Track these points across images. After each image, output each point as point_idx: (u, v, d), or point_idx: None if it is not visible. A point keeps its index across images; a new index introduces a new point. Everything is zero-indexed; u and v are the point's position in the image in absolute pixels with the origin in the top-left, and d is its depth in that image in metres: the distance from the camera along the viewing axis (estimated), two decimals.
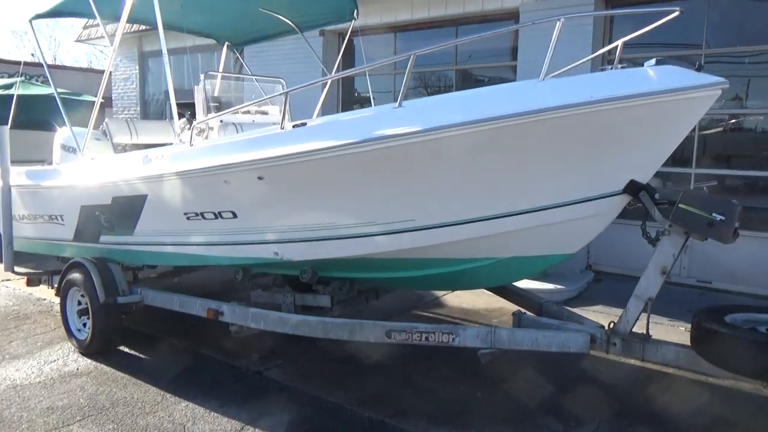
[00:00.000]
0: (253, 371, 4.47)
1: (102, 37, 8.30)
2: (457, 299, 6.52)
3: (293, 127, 3.43)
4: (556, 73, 3.31)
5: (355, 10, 5.89)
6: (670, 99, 2.94)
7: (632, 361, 4.44)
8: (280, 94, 3.92)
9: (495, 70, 8.31)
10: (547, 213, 3.33)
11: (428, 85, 9.29)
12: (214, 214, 3.98)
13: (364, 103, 9.28)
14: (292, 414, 3.80)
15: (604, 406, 3.93)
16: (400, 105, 3.15)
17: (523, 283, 6.55)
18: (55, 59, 34.06)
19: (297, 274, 4.14)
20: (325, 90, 6.47)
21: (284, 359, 4.66)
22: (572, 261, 7.42)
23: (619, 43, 3.69)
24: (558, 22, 3.03)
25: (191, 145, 3.98)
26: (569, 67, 3.96)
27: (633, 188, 3.22)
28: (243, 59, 10.67)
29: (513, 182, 3.21)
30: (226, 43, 7.06)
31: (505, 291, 4.45)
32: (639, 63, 3.19)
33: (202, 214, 4.04)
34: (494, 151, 3.02)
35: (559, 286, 6.69)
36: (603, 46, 7.21)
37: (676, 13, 3.25)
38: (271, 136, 3.52)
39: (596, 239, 7.31)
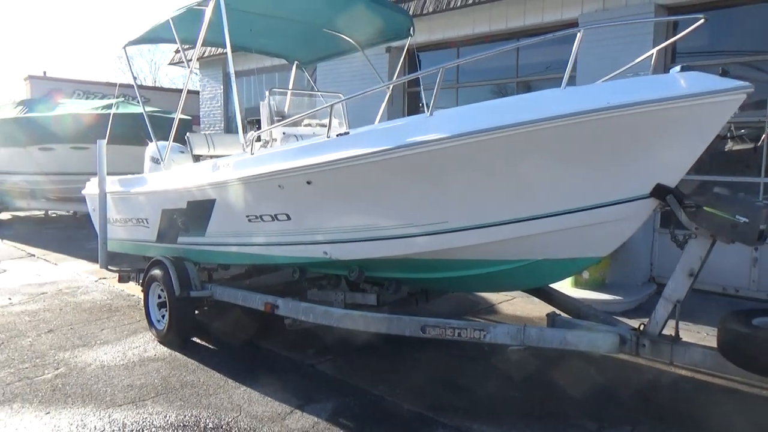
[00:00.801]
0: (307, 364, 4.84)
1: (191, 59, 9.13)
2: (511, 307, 6.62)
3: (337, 136, 3.78)
4: (603, 79, 3.48)
5: (412, 28, 6.20)
6: (694, 103, 3.01)
7: (675, 369, 4.46)
8: (325, 107, 4.30)
9: (555, 82, 8.34)
10: (576, 216, 3.45)
11: (492, 98, 9.45)
12: (271, 216, 4.40)
13: None
14: (338, 402, 4.12)
15: (641, 409, 3.96)
16: (431, 114, 3.42)
17: (581, 293, 6.63)
18: (155, 81, 36.96)
19: (345, 273, 4.48)
20: (384, 102, 6.80)
21: (336, 355, 5.00)
22: (634, 273, 7.33)
23: (654, 51, 3.79)
24: (578, 34, 3.18)
25: (252, 154, 4.43)
26: (609, 77, 4.12)
27: (660, 191, 3.28)
28: (316, 76, 11.31)
29: (539, 186, 3.37)
30: (295, 61, 7.60)
31: (544, 294, 4.56)
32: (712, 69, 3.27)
33: (261, 216, 4.47)
34: (517, 156, 3.21)
35: (617, 297, 6.62)
36: (664, 58, 7.13)
37: (701, 21, 3.31)
38: (318, 144, 3.89)
39: (660, 252, 7.26)
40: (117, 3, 53.66)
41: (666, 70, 7.26)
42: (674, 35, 7.30)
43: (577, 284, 6.95)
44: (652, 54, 3.87)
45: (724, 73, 3.09)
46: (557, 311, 4.21)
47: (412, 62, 10.17)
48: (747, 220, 2.97)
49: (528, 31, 8.38)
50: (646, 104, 2.96)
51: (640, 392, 4.25)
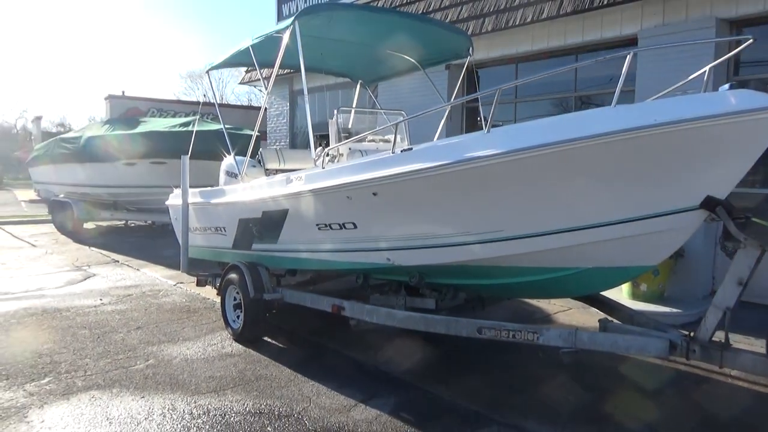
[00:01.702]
0: (371, 364, 5.18)
1: (258, 79, 9.79)
2: (567, 317, 6.75)
3: (401, 151, 4.13)
4: (655, 96, 3.64)
5: (471, 48, 6.51)
6: (740, 120, 3.18)
7: (733, 380, 4.53)
8: (390, 126, 4.66)
9: (609, 97, 8.40)
10: (627, 226, 3.64)
11: (549, 112, 9.59)
12: (339, 225, 4.79)
13: None
14: (399, 398, 4.43)
15: (694, 418, 4.06)
16: (488, 131, 3.72)
17: (639, 305, 6.68)
18: (221, 98, 38.85)
19: (406, 279, 4.80)
20: (444, 119, 7.12)
21: (397, 355, 5.31)
22: (694, 286, 7.27)
23: (707, 68, 3.94)
24: (628, 56, 3.39)
25: (323, 168, 4.85)
26: (660, 94, 4.30)
27: (710, 203, 3.43)
28: (377, 93, 11.78)
29: (588, 197, 3.58)
30: (360, 81, 8.06)
31: (598, 302, 4.71)
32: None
33: (329, 225, 4.87)
34: (567, 171, 3.45)
35: (676, 310, 6.62)
36: (726, 71, 7.12)
37: (750, 41, 3.46)
38: (383, 159, 4.25)
39: (722, 265, 7.23)
40: (183, 24, 56.71)
41: (728, 81, 7.23)
42: (736, 49, 7.28)
43: (635, 296, 6.99)
44: (705, 71, 4.01)
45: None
46: (609, 318, 4.37)
47: (471, 79, 10.48)
48: None
49: (587, 47, 8.51)
50: (690, 121, 3.15)
51: (695, 402, 4.35)
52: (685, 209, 3.51)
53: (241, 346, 5.68)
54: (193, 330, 6.24)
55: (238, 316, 5.92)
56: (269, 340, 5.86)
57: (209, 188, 6.80)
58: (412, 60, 7.06)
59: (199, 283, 7.00)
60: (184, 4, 56.66)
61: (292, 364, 5.14)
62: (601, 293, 4.65)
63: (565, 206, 3.67)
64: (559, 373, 4.80)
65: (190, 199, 6.91)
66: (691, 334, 3.62)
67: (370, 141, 6.04)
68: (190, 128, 9.35)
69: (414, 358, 5.27)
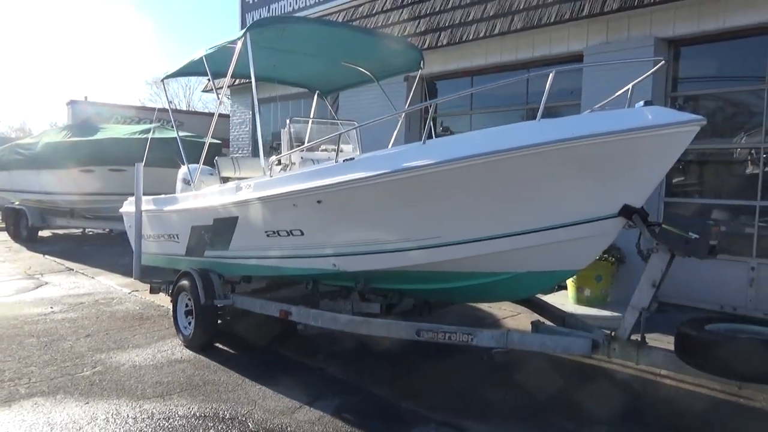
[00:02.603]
0: (317, 367, 5.29)
1: (221, 87, 9.87)
2: (515, 321, 6.97)
3: (344, 161, 4.30)
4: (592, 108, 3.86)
5: (422, 62, 6.73)
6: (654, 134, 3.44)
7: (660, 377, 4.81)
8: (333, 136, 4.83)
9: (559, 110, 8.74)
10: (554, 232, 3.87)
11: (503, 124, 9.90)
12: (287, 231, 4.91)
13: None
14: (342, 400, 4.55)
15: (617, 409, 4.31)
16: (424, 142, 3.91)
17: (584, 310, 6.96)
18: (188, 105, 38.43)
19: (353, 284, 4.95)
20: (396, 129, 7.30)
21: (344, 360, 5.45)
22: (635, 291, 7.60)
23: (630, 86, 4.21)
24: (550, 75, 3.63)
25: (270, 176, 4.98)
26: (598, 105, 4.59)
27: (627, 211, 3.69)
28: (338, 104, 11.95)
29: (520, 205, 3.81)
30: (317, 91, 8.21)
31: (532, 304, 4.94)
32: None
33: (277, 232, 4.99)
34: (496, 179, 3.67)
35: (617, 314, 6.87)
36: (666, 86, 7.51)
37: (662, 63, 3.75)
38: (327, 168, 4.41)
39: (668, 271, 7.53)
40: (148, 29, 56.12)
41: (667, 97, 7.65)
42: (676, 66, 7.71)
43: (580, 301, 7.28)
44: (628, 89, 4.28)
45: (681, 107, 3.51)
46: (542, 319, 4.60)
47: (432, 90, 10.75)
48: (698, 237, 3.36)
49: (537, 62, 8.83)
50: (606, 135, 3.40)
51: (617, 395, 4.62)
52: (605, 217, 3.76)
53: (191, 352, 5.73)
54: (144, 337, 6.26)
55: (189, 323, 5.96)
56: (220, 346, 5.92)
57: (163, 196, 6.84)
58: (367, 72, 7.25)
59: (152, 291, 7.00)
60: (152, 11, 56.09)
61: (241, 369, 5.22)
62: (536, 297, 4.87)
63: (497, 214, 3.88)
64: (499, 373, 5.00)
65: (144, 207, 6.93)
66: (612, 333, 3.86)
67: (323, 150, 6.19)
68: (149, 135, 9.34)
69: (361, 362, 5.41)
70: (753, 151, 7.07)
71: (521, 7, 8.32)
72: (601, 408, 4.40)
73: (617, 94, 4.46)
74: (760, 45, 6.87)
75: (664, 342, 4.45)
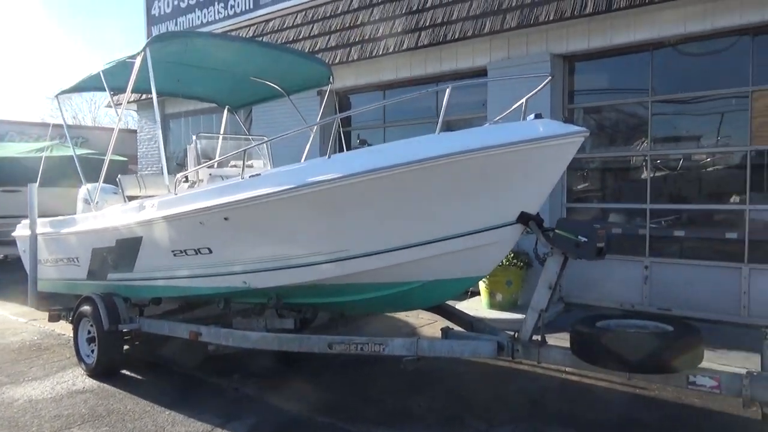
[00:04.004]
0: (232, 387, 5.16)
1: (130, 102, 9.50)
2: (431, 329, 7.12)
3: (250, 177, 4.25)
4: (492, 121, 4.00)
5: (331, 76, 6.78)
6: (543, 145, 3.65)
7: (565, 374, 5.08)
8: (239, 152, 4.79)
9: (471, 121, 9.08)
10: (457, 241, 4.00)
11: (412, 135, 10.13)
12: (195, 250, 4.78)
13: None
14: (257, 418, 4.47)
15: (526, 409, 4.51)
16: (329, 157, 3.95)
17: (496, 314, 7.23)
18: (94, 120, 36.40)
19: (265, 301, 4.89)
20: (309, 143, 7.30)
21: (260, 379, 5.35)
22: None
23: (524, 100, 4.43)
24: (447, 90, 3.77)
25: (176, 194, 4.83)
26: (496, 119, 4.81)
27: (524, 218, 3.88)
28: (252, 117, 11.78)
29: (423, 215, 3.91)
30: (227, 106, 8.07)
31: (443, 311, 5.07)
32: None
33: (185, 251, 4.85)
34: (398, 191, 3.76)
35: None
36: (563, 99, 8.00)
37: (549, 78, 4.01)
38: (233, 185, 4.35)
39: (568, 274, 8.02)
40: (51, 41, 53.03)
41: (564, 109, 8.15)
42: (571, 80, 8.23)
43: (492, 306, 7.55)
44: (522, 102, 4.52)
45: (568, 120, 3.76)
46: (452, 325, 4.74)
47: (345, 103, 10.84)
48: (587, 240, 3.59)
49: (446, 76, 9.13)
50: (502, 147, 3.58)
51: (527, 395, 4.83)
52: (504, 224, 3.94)
53: (95, 381, 5.42)
54: (42, 369, 5.85)
55: (92, 351, 5.64)
56: (127, 372, 5.64)
57: (61, 217, 6.46)
58: (277, 87, 7.21)
59: (51, 319, 6.57)
60: (59, 23, 52.87)
61: (150, 396, 4.99)
62: (447, 303, 5.01)
63: (401, 225, 3.97)
64: (415, 380, 5.08)
65: (40, 230, 6.52)
66: (516, 335, 4.04)
67: (232, 166, 6.08)
68: (44, 154, 8.80)
69: (277, 379, 5.34)
70: (643, 158, 7.67)
71: (427, 24, 8.60)
72: (510, 406, 4.59)
73: (513, 107, 4.70)
74: (643, 61, 7.49)
75: (568, 340, 4.72)
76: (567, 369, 5.17)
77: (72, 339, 6.01)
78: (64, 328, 6.99)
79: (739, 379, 3.20)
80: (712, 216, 7.32)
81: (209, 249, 4.71)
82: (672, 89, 7.41)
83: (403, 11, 8.99)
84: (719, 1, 6.57)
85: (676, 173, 7.58)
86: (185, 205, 4.61)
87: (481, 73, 8.62)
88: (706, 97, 7.19)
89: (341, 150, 10.66)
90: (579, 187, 8.35)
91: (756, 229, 6.79)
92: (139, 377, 5.57)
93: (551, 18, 7.33)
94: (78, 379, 5.51)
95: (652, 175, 7.56)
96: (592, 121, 8.09)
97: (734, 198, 7.05)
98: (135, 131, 15.14)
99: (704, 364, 3.46)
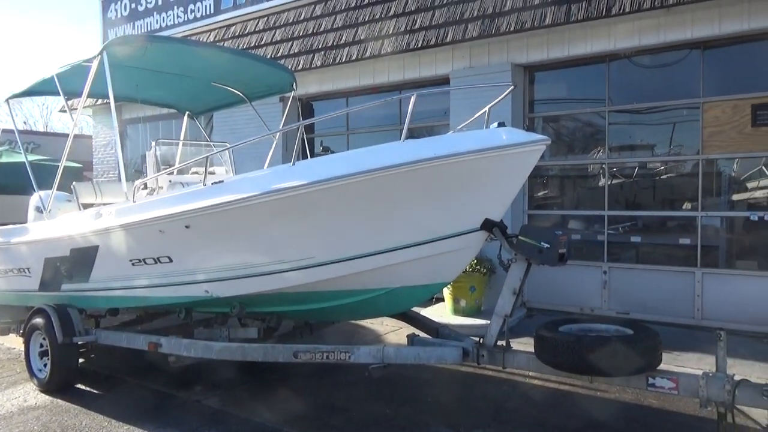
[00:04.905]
0: (194, 400, 5.03)
1: (75, 108, 9.20)
2: (396, 336, 7.12)
3: (212, 184, 4.17)
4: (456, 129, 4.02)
5: (294, 83, 6.73)
6: (506, 153, 3.70)
7: (530, 379, 5.14)
8: (201, 158, 4.69)
9: (433, 129, 9.16)
10: (423, 247, 4.01)
11: (375, 142, 10.15)
12: (154, 259, 4.65)
13: None
14: (220, 431, 4.37)
15: (492, 414, 4.55)
16: (294, 164, 3.91)
17: (460, 320, 7.28)
18: (46, 126, 35.15)
19: (228, 310, 4.79)
20: (271, 149, 7.22)
21: (223, 389, 5.24)
22: None
23: (486, 108, 4.49)
24: (412, 98, 3.78)
25: (134, 202, 4.70)
26: (459, 127, 4.86)
27: (488, 225, 3.92)
28: (213, 123, 11.59)
29: (388, 223, 3.91)
30: (187, 112, 7.91)
31: (408, 318, 5.07)
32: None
33: (144, 260, 4.71)
34: (364, 198, 3.75)
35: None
36: (524, 108, 8.16)
37: (512, 88, 4.10)
38: (195, 192, 4.26)
39: (530, 280, 8.17)
40: (6, 43, 51.10)
41: (524, 118, 8.30)
42: (531, 90, 8.41)
43: (457, 312, 7.61)
44: (486, 111, 4.57)
45: (528, 128, 3.83)
46: (418, 332, 4.75)
47: (308, 110, 10.79)
48: (549, 246, 3.66)
49: (408, 84, 9.19)
50: (466, 154, 3.61)
51: (492, 400, 4.88)
52: (469, 231, 3.97)
53: (48, 396, 5.21)
54: None
55: (45, 365, 5.41)
56: (82, 387, 5.45)
57: (11, 226, 6.20)
58: (239, 93, 7.11)
59: (0, 332, 6.30)
60: (11, 23, 50.91)
61: (107, 410, 4.83)
62: (412, 310, 5.01)
63: (366, 232, 3.96)
64: (381, 388, 5.06)
65: None
66: (481, 340, 4.07)
67: (193, 173, 5.96)
68: None
69: (241, 389, 5.24)
70: (600, 166, 7.88)
71: (390, 32, 8.64)
72: (476, 412, 4.62)
73: (476, 116, 4.75)
74: (600, 72, 7.71)
75: (531, 345, 4.79)
76: (530, 373, 5.25)
77: (23, 353, 5.76)
78: (13, 341, 6.71)
79: (696, 380, 3.30)
80: (666, 222, 7.58)
81: (169, 258, 4.59)
82: (627, 100, 7.66)
83: (367, 19, 9.02)
84: (671, 16, 6.83)
85: (632, 181, 7.82)
86: (145, 212, 4.49)
87: (444, 81, 8.71)
88: (659, 107, 7.45)
89: (305, 157, 10.64)
90: (540, 194, 8.52)
91: (708, 235, 7.05)
92: (95, 391, 5.38)
93: (512, 29, 7.47)
94: (30, 394, 5.29)
95: (609, 182, 7.77)
96: (552, 130, 8.27)
97: (687, 205, 7.31)
98: (90, 137, 14.68)
99: (661, 366, 3.55)
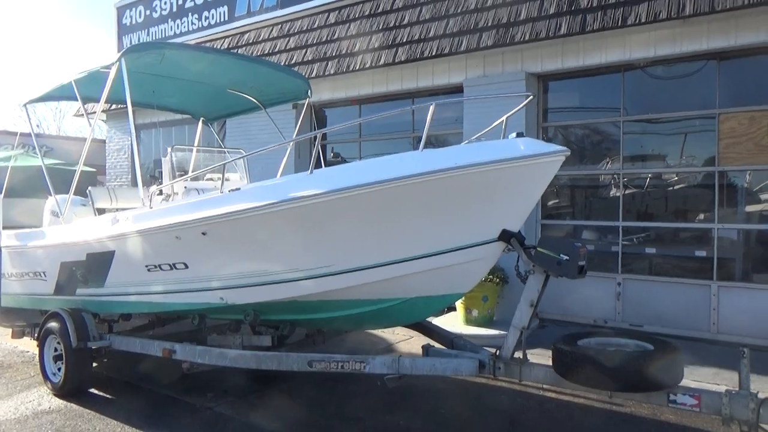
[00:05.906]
0: (206, 407, 5.02)
1: (94, 111, 9.29)
2: (408, 345, 7.08)
3: (230, 191, 4.18)
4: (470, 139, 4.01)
5: (309, 90, 6.75)
6: (525, 163, 3.68)
7: (544, 392, 5.09)
8: (218, 165, 4.70)
9: (445, 137, 9.15)
10: (441, 257, 3.98)
11: (390, 151, 10.16)
12: (170, 265, 4.66)
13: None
14: None
15: (503, 426, 4.51)
16: (311, 172, 3.91)
17: (472, 330, 7.23)
18: (59, 129, 35.45)
19: (242, 317, 4.78)
20: (285, 157, 7.24)
21: (235, 397, 5.22)
22: None
23: (504, 118, 4.47)
24: (431, 107, 3.78)
25: (151, 208, 4.72)
26: (475, 136, 4.84)
27: (505, 236, 3.90)
28: (225, 131, 11.63)
29: (405, 232, 3.89)
30: (201, 118, 7.95)
31: (422, 328, 5.04)
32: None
33: (159, 266, 4.72)
34: (382, 208, 3.74)
35: (503, 332, 7.22)
36: (537, 117, 8.13)
37: (530, 98, 4.07)
38: (212, 199, 4.26)
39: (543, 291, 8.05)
40: (16, 48, 51.66)
41: (539, 127, 8.28)
42: (545, 99, 8.38)
43: (468, 322, 7.56)
44: (503, 121, 4.56)
45: (548, 139, 3.81)
46: (432, 343, 4.72)
47: (321, 117, 10.81)
48: (568, 258, 3.62)
49: (422, 92, 9.20)
50: (486, 164, 3.59)
51: (506, 412, 4.84)
52: (486, 241, 3.94)
53: (61, 401, 5.22)
54: (5, 388, 5.61)
55: (59, 369, 5.43)
56: (96, 391, 5.45)
57: (27, 230, 6.24)
58: (253, 99, 7.14)
59: (15, 335, 6.33)
60: (27, 29, 51.42)
61: (120, 416, 4.83)
62: (427, 320, 4.99)
63: (384, 241, 3.95)
64: (394, 398, 5.03)
65: (5, 242, 6.28)
66: (497, 353, 4.04)
67: (208, 179, 5.98)
68: (9, 164, 8.50)
69: (253, 397, 5.22)
70: (614, 176, 7.83)
71: (404, 40, 8.66)
72: (490, 424, 4.57)
73: (493, 125, 4.73)
74: (615, 82, 7.68)
75: (545, 356, 4.73)
76: (545, 386, 5.20)
77: (37, 356, 5.78)
78: (28, 345, 6.73)
79: (719, 398, 3.25)
80: (682, 234, 7.50)
81: (185, 264, 4.60)
82: (643, 110, 7.62)
83: (381, 27, 9.05)
84: (687, 27, 6.80)
85: (647, 191, 7.76)
86: (162, 218, 4.50)
87: (457, 90, 8.71)
88: (675, 118, 7.40)
89: (319, 165, 10.65)
90: (552, 203, 8.48)
91: (724, 247, 6.98)
92: (108, 396, 5.38)
93: (527, 38, 7.46)
94: (44, 398, 5.30)
95: (624, 192, 7.72)
96: (565, 139, 8.24)
97: (702, 216, 7.24)
98: (102, 141, 14.78)
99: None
